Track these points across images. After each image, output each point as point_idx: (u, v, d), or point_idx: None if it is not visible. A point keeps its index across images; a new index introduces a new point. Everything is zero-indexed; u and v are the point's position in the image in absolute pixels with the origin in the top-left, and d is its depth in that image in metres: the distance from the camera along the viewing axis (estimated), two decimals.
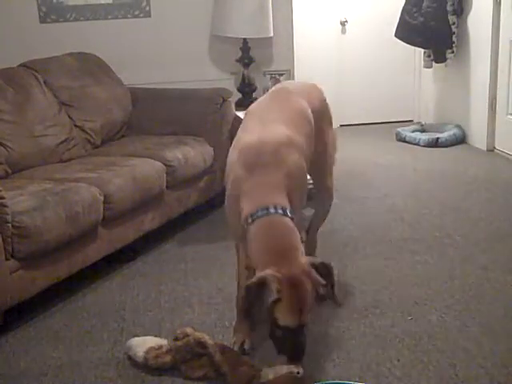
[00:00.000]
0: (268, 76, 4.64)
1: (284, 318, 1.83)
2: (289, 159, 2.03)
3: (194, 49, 4.62)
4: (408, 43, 5.82)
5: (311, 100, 2.40)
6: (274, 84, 3.89)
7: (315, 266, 1.87)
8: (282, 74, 4.63)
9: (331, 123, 2.59)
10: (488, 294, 2.58)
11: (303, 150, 2.14)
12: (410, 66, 6.76)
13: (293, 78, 4.72)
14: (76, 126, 3.68)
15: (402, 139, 5.85)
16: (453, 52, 5.58)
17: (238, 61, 4.54)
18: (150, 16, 4.56)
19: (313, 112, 2.35)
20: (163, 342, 2.13)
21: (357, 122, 6.82)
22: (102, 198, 2.82)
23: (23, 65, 3.67)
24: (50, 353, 2.27)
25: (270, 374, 1.94)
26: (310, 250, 2.63)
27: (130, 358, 2.15)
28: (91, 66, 4.01)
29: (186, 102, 3.91)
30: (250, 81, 4.53)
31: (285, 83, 2.89)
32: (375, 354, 2.13)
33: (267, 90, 3.84)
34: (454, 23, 5.50)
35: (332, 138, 2.56)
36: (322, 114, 2.46)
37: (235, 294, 2.31)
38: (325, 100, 2.56)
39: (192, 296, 2.70)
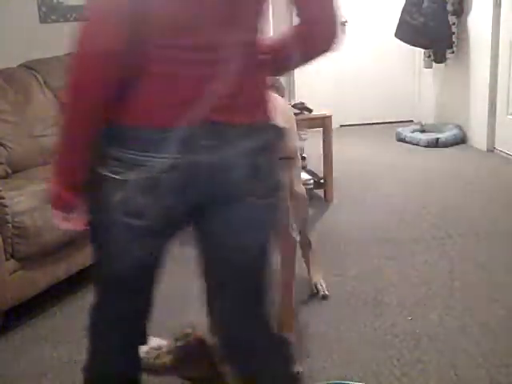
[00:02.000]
0: None
1: None
2: (288, 145, 2.05)
3: None
4: (408, 43, 5.82)
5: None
6: None
7: None
8: None
9: None
10: (488, 294, 2.58)
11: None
12: (410, 66, 6.76)
13: (293, 79, 4.71)
14: None
15: (401, 139, 5.85)
16: (453, 52, 5.58)
17: None
18: None
19: None
20: (163, 342, 2.13)
21: (357, 122, 6.82)
22: None
23: (23, 65, 3.67)
24: (50, 353, 2.27)
25: None
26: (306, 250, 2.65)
27: None
28: None
29: None
30: None
31: None
32: (375, 354, 2.13)
33: None
34: (454, 23, 5.50)
35: None
36: None
37: None
38: None
39: (192, 296, 2.70)
